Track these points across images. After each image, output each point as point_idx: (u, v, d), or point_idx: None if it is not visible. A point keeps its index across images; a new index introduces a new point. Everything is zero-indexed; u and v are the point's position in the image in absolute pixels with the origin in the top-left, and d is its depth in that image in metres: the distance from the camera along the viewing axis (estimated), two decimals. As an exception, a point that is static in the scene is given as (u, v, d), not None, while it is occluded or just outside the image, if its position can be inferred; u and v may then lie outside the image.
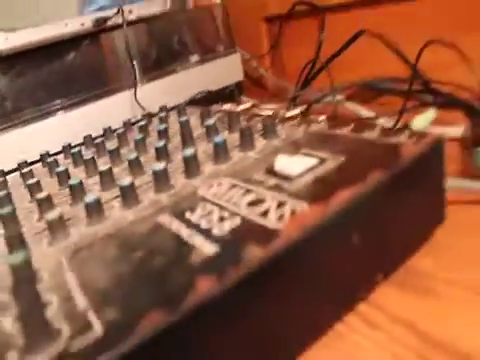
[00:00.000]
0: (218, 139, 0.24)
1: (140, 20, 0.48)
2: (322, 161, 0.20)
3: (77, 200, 0.23)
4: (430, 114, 0.27)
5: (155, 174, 0.22)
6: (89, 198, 0.20)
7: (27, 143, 0.40)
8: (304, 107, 0.39)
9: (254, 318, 0.14)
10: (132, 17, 0.46)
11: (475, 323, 0.17)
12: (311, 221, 0.16)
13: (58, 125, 0.42)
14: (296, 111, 0.33)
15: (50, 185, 0.27)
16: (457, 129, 0.33)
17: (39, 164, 0.34)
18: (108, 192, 0.24)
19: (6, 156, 0.37)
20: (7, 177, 0.33)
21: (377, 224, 0.18)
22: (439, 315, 0.17)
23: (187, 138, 0.27)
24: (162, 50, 0.51)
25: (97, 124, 0.41)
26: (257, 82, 0.62)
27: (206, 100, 0.48)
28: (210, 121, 0.28)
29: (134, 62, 0.44)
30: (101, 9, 0.66)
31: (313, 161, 0.20)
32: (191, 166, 0.22)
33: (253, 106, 0.38)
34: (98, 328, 0.13)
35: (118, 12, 0.42)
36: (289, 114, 0.31)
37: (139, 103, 0.42)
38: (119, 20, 0.44)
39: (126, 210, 0.20)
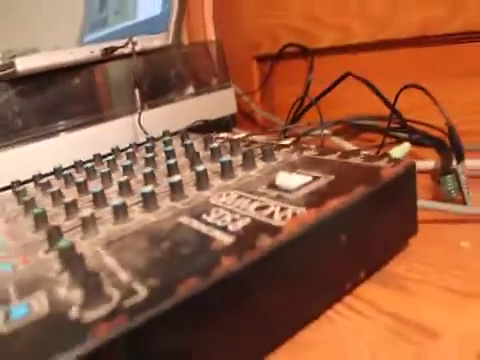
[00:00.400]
0: (224, 159, 0.27)
1: (143, 52, 0.52)
2: (315, 178, 0.24)
3: (100, 205, 0.26)
4: (405, 147, 0.32)
5: (172, 185, 0.25)
6: (116, 201, 0.23)
7: (34, 159, 0.43)
8: (294, 139, 0.43)
9: (264, 293, 0.18)
10: (137, 48, 0.50)
11: (440, 310, 0.21)
12: (309, 221, 0.19)
13: (62, 144, 0.45)
14: (288, 141, 0.38)
15: (69, 194, 0.30)
16: (429, 162, 0.38)
17: (52, 177, 0.37)
18: (128, 199, 0.27)
19: (15, 170, 0.40)
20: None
21: (361, 229, 0.22)
22: (412, 305, 0.21)
23: (194, 157, 0.30)
24: (162, 81, 0.55)
25: (99, 146, 0.44)
26: (248, 116, 0.67)
27: (202, 129, 0.52)
28: (214, 144, 0.32)
29: (138, 90, 0.48)
30: (101, 39, 0.71)
31: (308, 178, 0.24)
32: (202, 180, 0.26)
33: (248, 136, 0.42)
34: (143, 292, 0.16)
35: (127, 43, 0.46)
36: (283, 142, 0.35)
37: (142, 127, 0.46)
38: (126, 50, 0.48)
39: (147, 213, 0.24)
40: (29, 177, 0.38)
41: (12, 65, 0.40)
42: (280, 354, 0.19)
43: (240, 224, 0.20)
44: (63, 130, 0.45)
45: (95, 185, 0.30)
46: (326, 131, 0.50)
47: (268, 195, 0.23)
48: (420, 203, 0.26)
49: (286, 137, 0.47)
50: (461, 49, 0.44)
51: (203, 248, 0.18)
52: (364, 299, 0.22)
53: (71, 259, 0.18)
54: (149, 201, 0.24)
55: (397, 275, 0.24)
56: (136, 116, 0.49)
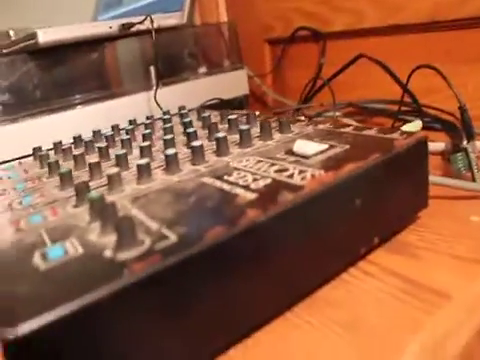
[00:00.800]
0: (244, 127, 0.28)
1: (159, 30, 0.53)
2: (332, 147, 0.25)
3: (123, 167, 0.27)
4: (417, 124, 0.32)
5: (193, 149, 0.26)
6: (140, 161, 0.24)
7: (51, 131, 0.44)
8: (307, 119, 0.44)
9: (285, 247, 0.19)
10: (154, 25, 0.51)
11: (450, 275, 0.22)
12: (327, 181, 0.20)
13: (79, 117, 0.46)
14: (302, 118, 0.38)
15: (91, 158, 0.31)
16: (439, 144, 0.38)
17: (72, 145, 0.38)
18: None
19: (32, 140, 0.41)
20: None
21: (374, 196, 0.23)
22: (423, 270, 0.22)
23: (212, 127, 0.31)
24: (177, 59, 0.56)
25: (114, 120, 0.45)
26: (259, 99, 0.68)
27: (215, 109, 0.53)
28: (232, 116, 0.33)
29: (155, 66, 0.49)
30: (113, 18, 0.71)
31: (325, 146, 0.25)
32: (222, 146, 0.27)
33: (261, 114, 0.43)
34: (173, 237, 0.17)
35: (145, 19, 0.47)
36: (298, 118, 0.36)
37: (158, 103, 0.46)
38: (143, 27, 0.49)
39: (170, 175, 0.25)
40: (47, 147, 0.38)
41: (34, 36, 0.41)
42: (300, 308, 0.20)
43: (262, 183, 0.21)
44: (79, 103, 0.46)
45: (116, 151, 0.31)
46: (337, 113, 0.50)
47: (287, 160, 0.24)
48: (431, 179, 0.27)
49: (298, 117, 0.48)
50: (472, 34, 0.45)
51: (228, 202, 0.19)
52: (377, 264, 0.23)
53: (102, 208, 0.19)
54: (172, 163, 0.25)
55: (408, 243, 0.25)
56: (150, 93, 0.50)
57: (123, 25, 0.47)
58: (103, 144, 0.31)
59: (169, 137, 0.29)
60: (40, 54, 0.44)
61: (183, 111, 0.41)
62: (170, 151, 0.25)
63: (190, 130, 0.30)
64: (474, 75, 0.44)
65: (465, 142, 0.33)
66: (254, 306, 0.18)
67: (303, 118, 0.37)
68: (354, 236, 0.22)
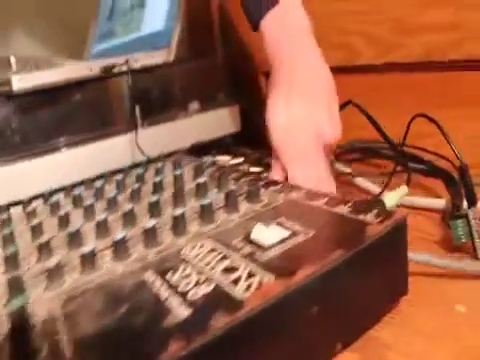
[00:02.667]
0: (205, 201, 0.26)
1: (144, 69, 0.51)
2: (294, 233, 0.23)
3: (73, 246, 0.25)
4: (402, 191, 0.30)
5: (146, 231, 0.24)
6: (85, 249, 0.23)
7: (30, 177, 0.42)
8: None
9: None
10: (137, 65, 0.49)
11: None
12: (274, 293, 0.18)
13: (60, 162, 0.44)
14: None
15: (51, 226, 0.30)
16: (440, 201, 0.36)
17: (40, 201, 0.37)
18: (102, 241, 0.26)
19: (11, 187, 0.39)
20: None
21: (337, 298, 0.21)
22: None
23: (178, 194, 0.30)
24: (163, 98, 0.53)
25: (98, 163, 0.43)
26: (252, 135, 0.66)
27: (204, 147, 0.51)
28: (202, 179, 0.31)
29: (136, 107, 0.47)
30: (108, 51, 0.69)
31: (286, 233, 0.23)
32: (179, 225, 0.25)
33: (245, 162, 0.41)
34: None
35: (126, 61, 0.46)
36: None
37: (139, 147, 0.45)
38: (124, 68, 0.47)
39: (117, 262, 0.23)
40: (13, 199, 0.37)
41: (8, 83, 0.39)
42: None
43: (201, 292, 0.19)
44: (62, 147, 0.44)
45: (77, 219, 0.29)
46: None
47: (241, 251, 0.22)
48: (418, 257, 0.25)
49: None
50: (467, 77, 0.43)
51: (155, 323, 0.17)
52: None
53: (18, 326, 0.17)
54: (120, 249, 0.23)
55: (380, 345, 0.22)
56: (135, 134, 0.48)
57: (104, 67, 0.46)
58: (64, 212, 0.30)
59: (128, 209, 0.27)
60: (18, 98, 0.42)
61: (159, 165, 0.39)
62: (119, 235, 0.23)
63: (153, 199, 0.29)
64: (468, 120, 0.42)
65: (466, 205, 0.30)
66: None
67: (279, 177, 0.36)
68: (310, 348, 0.20)
